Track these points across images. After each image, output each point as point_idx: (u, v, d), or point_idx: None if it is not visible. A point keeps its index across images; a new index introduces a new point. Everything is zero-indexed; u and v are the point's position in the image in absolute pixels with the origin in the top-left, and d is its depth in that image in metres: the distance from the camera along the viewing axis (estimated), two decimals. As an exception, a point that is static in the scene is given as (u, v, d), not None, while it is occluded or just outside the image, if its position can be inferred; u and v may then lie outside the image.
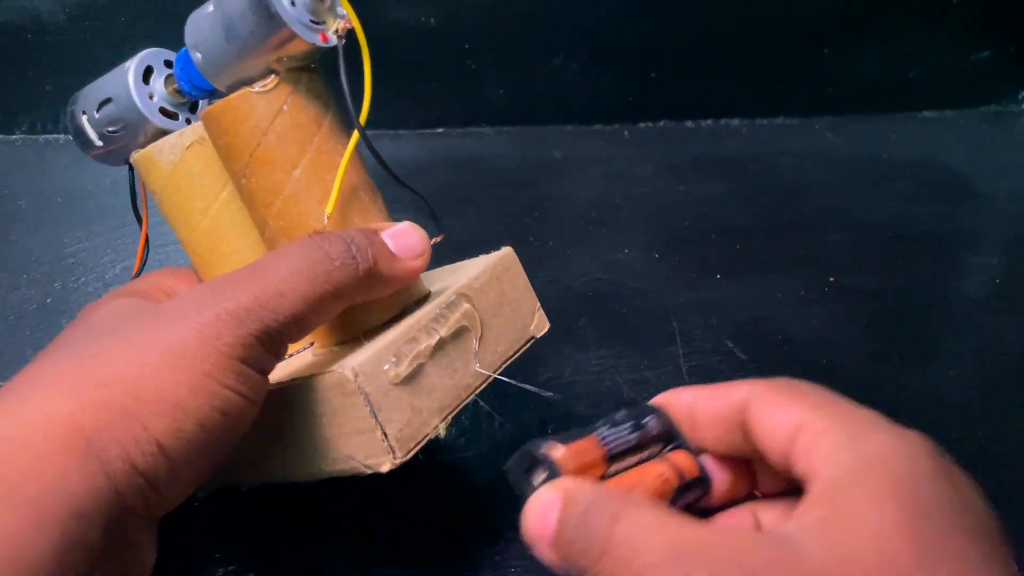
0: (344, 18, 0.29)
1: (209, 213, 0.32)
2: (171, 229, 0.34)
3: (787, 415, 0.26)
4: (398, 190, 0.31)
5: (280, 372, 0.31)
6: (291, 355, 0.34)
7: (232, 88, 0.30)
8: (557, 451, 0.25)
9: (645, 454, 0.28)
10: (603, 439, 0.26)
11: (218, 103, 0.30)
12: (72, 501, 0.22)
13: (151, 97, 0.32)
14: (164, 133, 0.33)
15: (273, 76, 0.29)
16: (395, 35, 0.72)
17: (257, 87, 0.29)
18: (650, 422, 0.28)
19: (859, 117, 0.82)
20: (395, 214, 0.32)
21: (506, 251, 0.34)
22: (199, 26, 0.29)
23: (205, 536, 0.35)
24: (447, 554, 0.35)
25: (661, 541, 0.22)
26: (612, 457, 0.26)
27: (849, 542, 0.21)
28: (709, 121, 0.82)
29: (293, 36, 0.27)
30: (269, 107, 0.29)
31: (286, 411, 0.29)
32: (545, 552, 0.24)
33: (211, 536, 0.36)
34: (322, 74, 0.30)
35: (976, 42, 0.82)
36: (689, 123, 0.82)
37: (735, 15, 0.78)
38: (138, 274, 0.36)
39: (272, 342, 0.26)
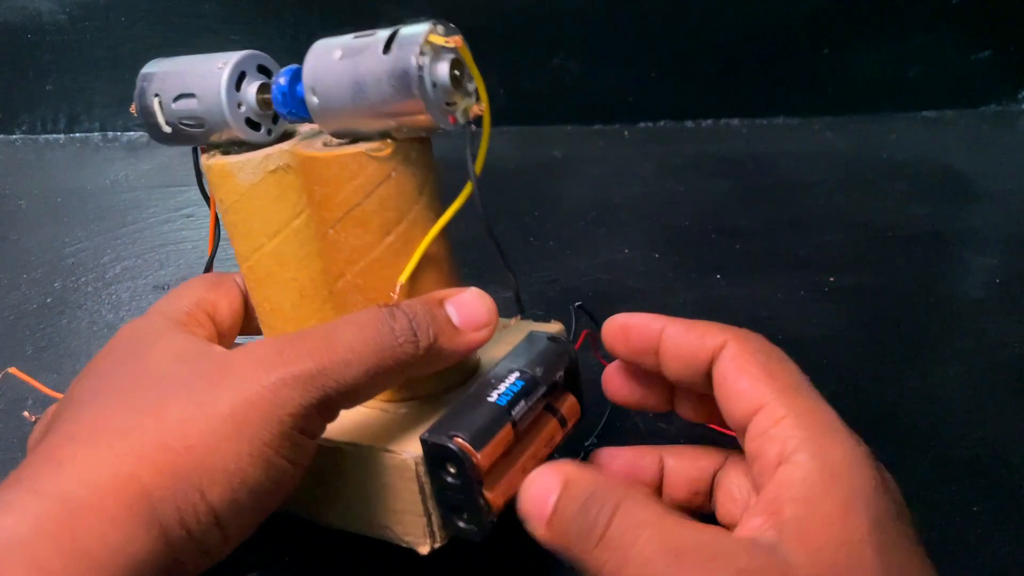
0: (474, 101, 0.28)
1: (276, 238, 0.31)
2: (200, 225, 0.33)
3: (754, 387, 0.27)
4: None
5: None
6: None
7: (337, 134, 0.29)
8: (475, 455, 0.26)
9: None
10: (516, 424, 0.28)
11: (327, 155, 0.28)
12: (135, 566, 0.22)
13: (239, 106, 0.31)
14: (240, 139, 0.31)
15: (389, 141, 0.28)
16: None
17: (371, 149, 0.28)
18: (561, 378, 0.31)
19: (859, 117, 0.82)
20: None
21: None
22: (325, 72, 0.27)
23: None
24: (449, 556, 0.35)
25: (657, 537, 0.23)
26: (519, 428, 0.28)
27: (826, 551, 0.23)
28: (709, 121, 0.82)
29: (424, 113, 0.26)
30: (378, 171, 0.28)
31: (334, 468, 0.29)
32: (538, 530, 0.25)
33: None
34: (431, 143, 0.29)
35: (976, 42, 0.82)
36: (689, 123, 0.82)
37: (735, 15, 0.78)
38: (212, 255, 0.36)
39: (328, 410, 0.26)
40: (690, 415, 0.32)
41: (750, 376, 0.28)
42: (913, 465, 0.39)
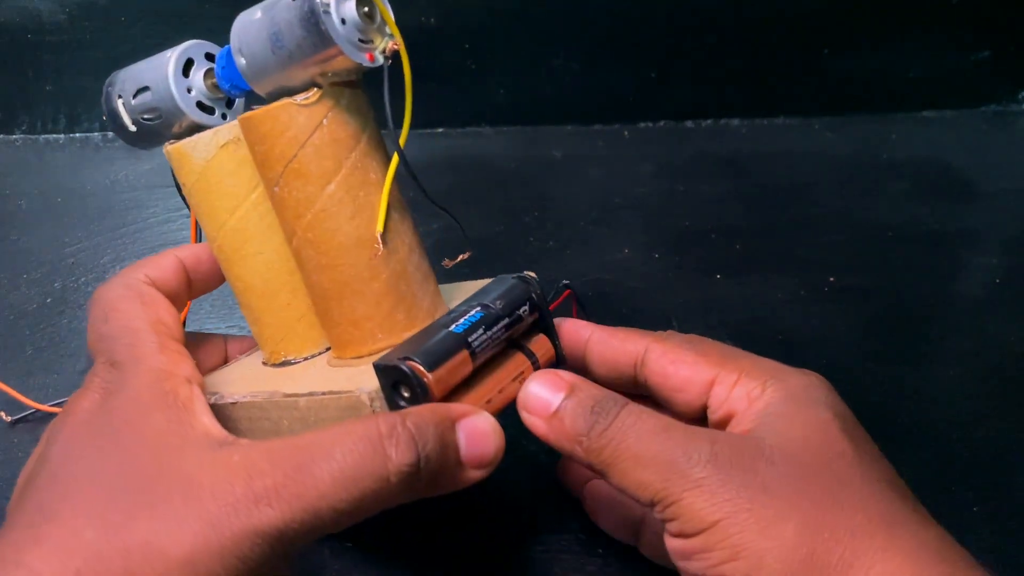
0: (391, 39, 0.28)
1: (237, 213, 0.32)
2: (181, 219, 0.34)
3: (697, 371, 0.30)
4: (415, 191, 0.31)
5: (298, 380, 0.31)
6: (308, 358, 0.34)
7: (273, 95, 0.29)
8: (427, 375, 0.27)
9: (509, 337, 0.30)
10: (474, 351, 0.28)
11: (258, 111, 0.29)
12: None
13: (189, 91, 0.32)
14: (199, 126, 0.33)
15: (316, 89, 0.29)
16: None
17: (299, 99, 0.28)
18: (525, 312, 0.31)
19: (859, 117, 0.82)
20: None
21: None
22: (246, 31, 0.29)
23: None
24: (447, 552, 0.35)
25: (650, 420, 0.27)
26: (478, 356, 0.29)
27: (795, 431, 0.27)
28: (709, 121, 0.82)
29: (340, 53, 0.27)
30: (309, 120, 0.29)
31: (299, 423, 0.29)
32: (537, 425, 0.29)
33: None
34: (364, 90, 0.30)
35: (976, 42, 0.82)
36: (689, 123, 0.82)
37: (735, 15, 0.78)
38: None
39: (290, 553, 0.25)
40: (651, 554, 0.33)
41: (687, 363, 0.31)
42: (913, 465, 0.39)
